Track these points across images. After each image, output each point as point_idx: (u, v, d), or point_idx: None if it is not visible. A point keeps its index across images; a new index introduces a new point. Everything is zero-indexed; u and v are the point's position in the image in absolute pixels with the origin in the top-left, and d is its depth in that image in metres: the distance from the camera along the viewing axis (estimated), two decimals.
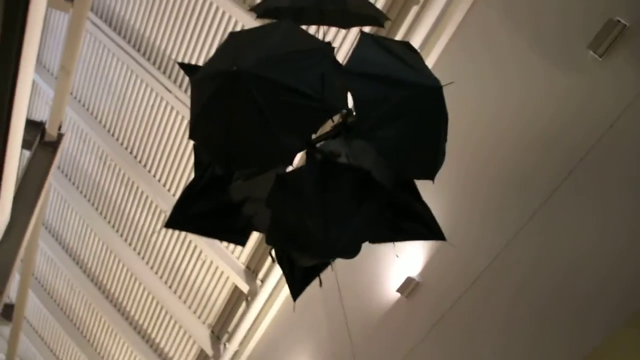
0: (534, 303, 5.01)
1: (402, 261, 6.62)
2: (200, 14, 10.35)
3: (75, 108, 12.43)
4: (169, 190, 11.91)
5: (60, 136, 8.26)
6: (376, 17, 4.76)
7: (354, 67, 3.46)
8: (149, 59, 11.36)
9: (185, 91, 11.03)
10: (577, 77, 5.16)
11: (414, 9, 7.90)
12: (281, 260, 4.23)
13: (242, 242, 4.20)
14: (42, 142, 8.03)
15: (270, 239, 3.82)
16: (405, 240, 4.23)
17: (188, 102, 10.77)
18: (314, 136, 3.76)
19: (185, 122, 11.17)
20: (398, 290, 6.56)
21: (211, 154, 3.62)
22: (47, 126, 8.07)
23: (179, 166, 11.64)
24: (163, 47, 11.12)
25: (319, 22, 4.72)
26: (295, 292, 4.32)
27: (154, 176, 12.05)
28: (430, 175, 3.59)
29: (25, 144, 7.87)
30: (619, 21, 4.84)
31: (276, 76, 3.21)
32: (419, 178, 3.74)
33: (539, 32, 5.65)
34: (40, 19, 5.32)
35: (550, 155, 5.16)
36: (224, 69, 3.18)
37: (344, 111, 3.98)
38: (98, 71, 12.19)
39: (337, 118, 4.11)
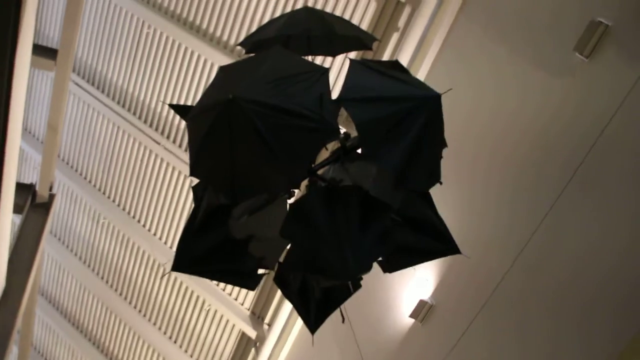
0: (558, 310, 4.87)
1: (412, 284, 6.50)
2: (181, 64, 10.45)
3: (63, 170, 12.34)
4: (165, 242, 11.76)
5: (51, 197, 8.13)
6: (364, 41, 4.75)
7: (349, 95, 3.41)
8: (134, 114, 11.37)
9: (174, 142, 11.04)
10: (568, 80, 5.18)
11: (395, 35, 8.07)
12: (290, 296, 4.12)
13: (252, 285, 4.06)
14: (34, 204, 7.89)
15: (291, 266, 3.72)
16: (421, 260, 4.09)
17: (177, 152, 10.91)
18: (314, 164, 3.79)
19: (176, 172, 11.13)
20: (411, 316, 6.38)
21: (216, 187, 3.52)
22: (37, 187, 7.95)
23: (173, 217, 11.52)
24: (148, 100, 11.15)
25: (306, 52, 4.72)
26: (312, 325, 4.15)
27: (149, 230, 11.90)
28: (435, 181, 3.54)
29: (16, 208, 7.77)
30: (600, 22, 4.89)
31: (273, 100, 3.17)
32: (426, 188, 3.67)
33: (527, 39, 5.72)
34: (25, 81, 5.27)
35: (551, 157, 5.13)
36: (220, 99, 3.13)
37: (342, 135, 3.97)
38: (84, 131, 12.16)
39: (332, 145, 4.10)
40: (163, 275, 11.31)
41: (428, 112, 3.37)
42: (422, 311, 6.31)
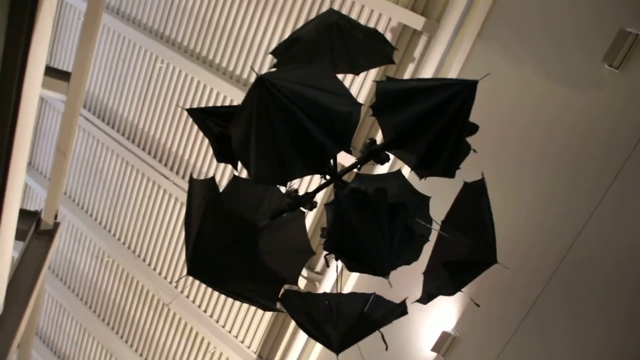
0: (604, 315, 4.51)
1: (434, 315, 6.12)
2: (193, 97, 10.41)
3: (68, 206, 12.12)
4: (170, 282, 11.37)
5: (56, 225, 7.88)
6: (387, 55, 4.59)
7: (379, 105, 3.42)
8: (143, 149, 11.24)
9: (183, 177, 10.85)
10: (603, 92, 5.00)
11: (411, 67, 8.01)
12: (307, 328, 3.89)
13: (272, 306, 3.77)
14: (38, 231, 7.62)
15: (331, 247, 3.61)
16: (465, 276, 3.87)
17: (186, 186, 10.68)
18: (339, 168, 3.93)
19: (185, 208, 10.86)
20: (433, 349, 5.98)
21: (266, 170, 3.31)
22: (43, 215, 7.71)
23: (180, 256, 11.19)
24: (158, 135, 11.04)
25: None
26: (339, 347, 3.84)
27: (154, 269, 11.54)
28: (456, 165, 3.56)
29: (20, 234, 7.50)
30: (630, 32, 4.76)
31: (303, 90, 3.14)
32: (448, 175, 3.55)
33: (551, 57, 5.58)
34: (33, 113, 5.11)
35: (587, 171, 4.89)
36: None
37: (367, 141, 3.94)
38: (92, 167, 12.00)
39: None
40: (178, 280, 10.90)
41: (461, 99, 3.21)
42: (444, 343, 5.91)
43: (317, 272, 9.60)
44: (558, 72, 5.41)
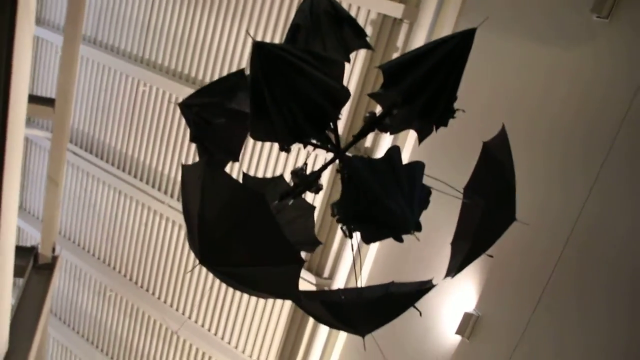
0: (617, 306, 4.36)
1: (454, 297, 5.96)
2: (180, 118, 10.26)
3: (65, 245, 11.85)
4: (177, 309, 11.11)
5: (55, 258, 7.65)
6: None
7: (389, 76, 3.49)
8: (135, 176, 11.07)
9: (178, 199, 10.65)
10: (593, 44, 4.93)
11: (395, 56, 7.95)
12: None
13: (292, 291, 3.55)
14: (37, 265, 7.39)
15: (349, 216, 3.48)
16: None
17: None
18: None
19: (183, 230, 10.68)
20: (458, 332, 5.79)
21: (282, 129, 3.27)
22: (40, 248, 7.48)
23: (183, 282, 10.95)
24: (148, 160, 10.88)
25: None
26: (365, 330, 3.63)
27: (159, 298, 11.28)
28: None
29: (19, 271, 7.27)
30: None
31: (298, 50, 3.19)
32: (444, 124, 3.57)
33: (539, 19, 5.52)
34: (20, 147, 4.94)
35: (592, 129, 4.78)
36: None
37: (367, 114, 3.95)
38: (84, 201, 11.79)
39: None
40: (191, 269, 10.65)
41: (460, 48, 3.17)
42: (468, 325, 5.73)
43: (325, 278, 9.41)
44: (547, 33, 5.34)
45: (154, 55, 10.44)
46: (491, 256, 3.65)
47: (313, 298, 3.81)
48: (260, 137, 3.45)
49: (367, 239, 3.50)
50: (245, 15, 9.40)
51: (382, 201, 3.16)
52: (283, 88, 3.07)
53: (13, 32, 3.71)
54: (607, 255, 4.54)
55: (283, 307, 9.95)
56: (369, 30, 8.27)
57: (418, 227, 3.27)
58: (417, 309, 3.59)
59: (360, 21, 8.33)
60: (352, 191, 3.32)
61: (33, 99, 6.99)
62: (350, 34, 4.27)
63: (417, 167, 3.40)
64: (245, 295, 10.21)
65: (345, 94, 3.40)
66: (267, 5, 9.16)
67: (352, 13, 8.29)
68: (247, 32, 9.17)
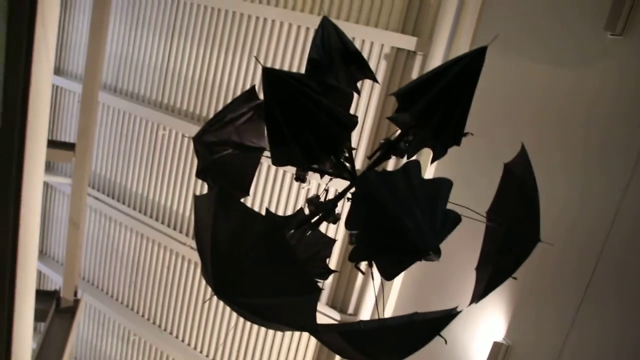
0: None
1: (482, 327, 5.77)
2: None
3: (88, 290, 11.86)
4: (201, 351, 10.98)
5: (77, 301, 7.66)
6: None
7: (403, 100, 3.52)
8: (156, 219, 11.14)
9: None
10: (611, 62, 4.89)
11: None
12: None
13: (309, 323, 3.46)
14: (59, 309, 7.40)
15: (360, 255, 3.29)
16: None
17: None
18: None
19: None
20: None
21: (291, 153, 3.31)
22: (62, 292, 7.51)
23: (207, 323, 10.85)
24: (169, 203, 10.97)
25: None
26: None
27: (183, 341, 11.18)
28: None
29: (41, 315, 7.28)
30: None
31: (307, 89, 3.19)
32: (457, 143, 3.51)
33: (555, 35, 5.50)
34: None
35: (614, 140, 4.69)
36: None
37: (382, 140, 3.96)
38: (106, 246, 11.86)
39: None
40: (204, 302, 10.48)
41: (466, 63, 3.16)
42: (498, 356, 5.52)
43: (350, 314, 9.24)
44: (563, 53, 5.33)
45: (172, 99, 10.64)
46: (515, 278, 3.52)
47: (331, 330, 3.70)
48: (280, 162, 3.43)
49: (387, 274, 3.34)
50: (261, 54, 9.57)
51: (396, 217, 2.99)
52: (293, 112, 3.11)
53: (29, 77, 3.81)
54: None
55: (309, 345, 9.77)
56: (383, 64, 8.35)
57: (437, 252, 3.02)
58: (442, 337, 3.45)
59: (374, 56, 8.43)
60: (362, 211, 3.15)
61: (54, 144, 7.15)
62: (357, 68, 4.33)
63: (442, 185, 3.22)
64: (270, 333, 10.06)
65: (353, 119, 3.41)
66: (282, 44, 9.33)
67: (366, 48, 8.40)
68: (255, 57, 9.31)
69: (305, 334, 9.75)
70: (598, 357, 4.54)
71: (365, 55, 8.37)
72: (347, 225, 3.14)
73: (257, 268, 3.11)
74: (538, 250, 3.63)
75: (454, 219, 3.15)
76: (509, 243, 3.68)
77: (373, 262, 3.26)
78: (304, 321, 3.33)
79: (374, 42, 8.40)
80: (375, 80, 4.28)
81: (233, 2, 9.72)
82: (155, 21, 10.72)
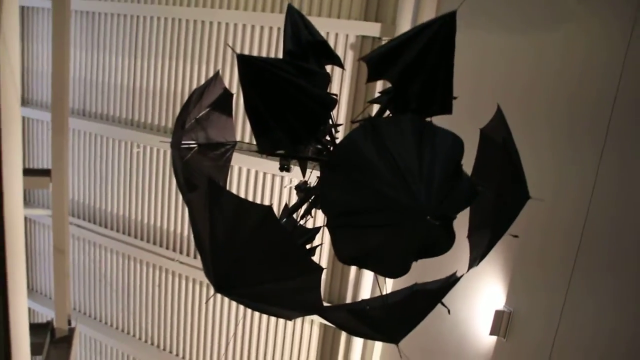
0: None
1: (482, 298, 5.80)
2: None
3: (81, 320, 11.65)
4: None
5: (72, 330, 7.48)
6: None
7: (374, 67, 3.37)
8: (141, 238, 10.99)
9: (188, 254, 10.55)
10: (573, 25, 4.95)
11: None
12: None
13: (316, 302, 3.40)
14: (54, 340, 7.22)
15: (346, 253, 2.93)
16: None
17: (193, 262, 10.38)
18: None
19: (197, 284, 10.52)
20: (492, 333, 5.61)
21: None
22: (55, 322, 7.33)
23: (206, 336, 10.74)
24: (152, 221, 10.82)
25: None
26: (398, 335, 3.43)
27: (183, 358, 11.05)
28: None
29: (37, 348, 7.10)
30: None
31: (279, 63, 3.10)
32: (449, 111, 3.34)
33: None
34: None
35: (584, 101, 4.75)
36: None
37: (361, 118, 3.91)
38: (94, 272, 11.66)
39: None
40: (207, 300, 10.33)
41: (438, 29, 3.14)
42: (501, 323, 5.55)
43: None
44: (525, 24, 5.39)
45: (143, 115, 10.52)
46: (516, 236, 3.47)
47: (339, 309, 3.68)
48: (266, 149, 3.33)
49: (376, 267, 3.02)
50: (227, 59, 9.52)
51: (378, 182, 2.56)
52: (274, 97, 3.02)
53: None
54: (631, 216, 4.40)
55: (310, 354, 9.73)
56: (350, 54, 8.37)
57: (439, 218, 2.54)
58: (444, 305, 3.42)
59: (340, 46, 8.44)
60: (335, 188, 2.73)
61: (29, 172, 6.99)
62: (325, 56, 4.32)
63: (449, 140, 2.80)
64: (271, 340, 9.98)
65: (332, 98, 3.33)
66: (247, 46, 9.28)
67: (331, 40, 8.40)
68: (227, 44, 9.22)
69: (306, 339, 9.71)
70: (597, 310, 4.59)
71: (331, 44, 8.38)
72: (324, 205, 2.80)
73: (256, 256, 3.08)
74: (527, 214, 3.64)
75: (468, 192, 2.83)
76: (500, 204, 3.69)
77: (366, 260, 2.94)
78: (310, 302, 3.30)
79: (338, 34, 8.41)
80: (341, 66, 4.27)
81: (193, 11, 9.66)
82: (116, 41, 10.60)
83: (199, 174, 4.02)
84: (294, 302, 3.28)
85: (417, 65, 3.25)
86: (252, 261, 3.06)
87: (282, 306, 3.32)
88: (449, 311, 3.46)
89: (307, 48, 4.02)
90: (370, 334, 3.59)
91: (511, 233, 3.50)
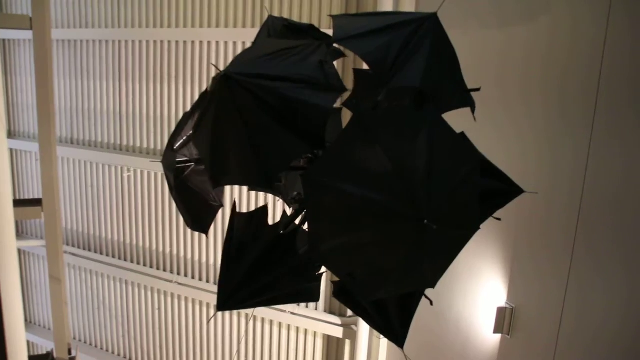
0: None
1: (483, 296, 5.79)
2: (168, 193, 10.21)
3: (82, 349, 11.54)
4: None
5: (72, 359, 7.40)
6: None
7: (342, 34, 2.99)
8: (138, 263, 10.92)
9: (185, 275, 10.49)
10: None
11: None
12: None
13: (316, 297, 3.43)
14: None
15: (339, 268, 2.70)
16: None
17: (192, 283, 10.32)
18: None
19: (197, 304, 10.45)
20: (496, 331, 5.60)
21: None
22: (55, 353, 7.24)
23: (209, 358, 10.63)
24: (147, 244, 10.77)
25: None
26: (400, 338, 3.40)
27: None
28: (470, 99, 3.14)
29: None
30: None
31: (269, 71, 2.76)
32: (464, 105, 3.24)
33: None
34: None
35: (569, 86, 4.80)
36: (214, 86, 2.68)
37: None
38: (91, 300, 11.56)
39: None
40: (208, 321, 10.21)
41: (432, 31, 3.08)
42: (504, 320, 5.54)
43: (349, 316, 9.18)
44: (504, 11, 5.45)
45: (131, 139, 10.50)
46: (499, 219, 3.22)
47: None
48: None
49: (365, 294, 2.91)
50: (210, 77, 9.53)
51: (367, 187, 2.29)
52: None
53: None
54: (628, 195, 4.42)
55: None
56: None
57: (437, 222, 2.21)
58: (427, 297, 3.25)
59: None
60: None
61: (20, 203, 6.94)
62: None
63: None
64: (275, 355, 9.91)
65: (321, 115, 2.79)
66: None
67: None
68: (212, 63, 9.16)
69: (310, 352, 9.66)
70: (600, 297, 4.60)
71: None
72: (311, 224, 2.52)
73: (261, 277, 3.14)
74: (526, 208, 3.65)
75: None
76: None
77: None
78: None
79: (320, 25, 8.41)
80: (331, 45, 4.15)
81: (174, 32, 9.68)
82: (100, 67, 10.60)
83: (188, 191, 3.95)
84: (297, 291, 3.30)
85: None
86: (255, 283, 3.13)
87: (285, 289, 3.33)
88: (431, 303, 3.29)
89: (291, 35, 3.95)
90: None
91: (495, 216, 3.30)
